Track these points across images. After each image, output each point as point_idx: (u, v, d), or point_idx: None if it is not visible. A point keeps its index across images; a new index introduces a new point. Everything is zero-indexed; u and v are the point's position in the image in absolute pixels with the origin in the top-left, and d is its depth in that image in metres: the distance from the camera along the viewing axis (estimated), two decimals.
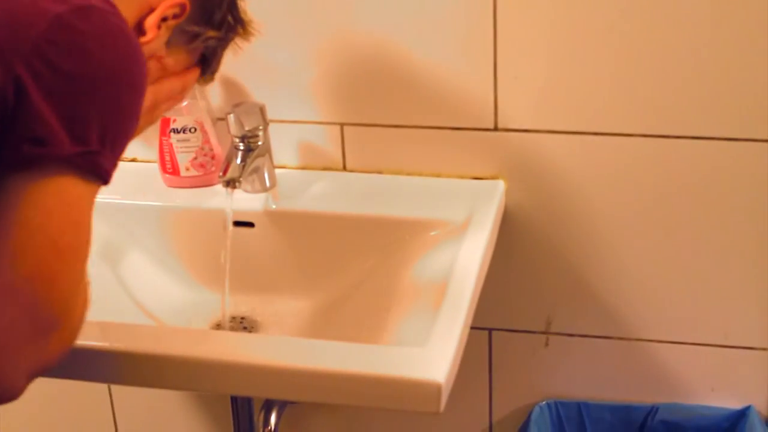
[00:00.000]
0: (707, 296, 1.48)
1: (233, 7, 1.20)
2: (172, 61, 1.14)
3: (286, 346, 1.16)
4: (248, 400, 1.47)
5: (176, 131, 1.48)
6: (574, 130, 1.42)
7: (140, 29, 1.05)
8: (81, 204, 0.89)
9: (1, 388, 0.86)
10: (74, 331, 0.90)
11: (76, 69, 0.86)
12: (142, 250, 1.48)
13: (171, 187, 1.51)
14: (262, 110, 1.42)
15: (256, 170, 1.44)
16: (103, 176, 0.91)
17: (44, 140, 0.85)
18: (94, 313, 0.96)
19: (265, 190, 1.47)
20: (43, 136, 0.85)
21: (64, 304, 0.87)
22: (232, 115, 1.40)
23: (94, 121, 0.88)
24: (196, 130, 1.48)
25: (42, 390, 1.17)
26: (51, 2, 0.88)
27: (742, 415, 1.51)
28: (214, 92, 1.51)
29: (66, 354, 0.90)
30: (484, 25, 1.38)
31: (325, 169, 1.53)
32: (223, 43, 1.22)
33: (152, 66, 1.09)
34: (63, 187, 0.87)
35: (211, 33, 1.16)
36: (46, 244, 0.86)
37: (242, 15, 1.23)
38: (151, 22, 1.05)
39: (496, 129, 1.44)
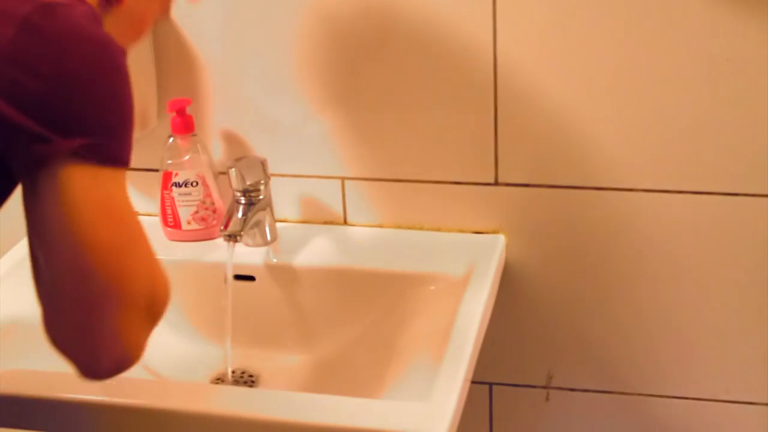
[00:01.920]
0: (708, 351, 1.48)
1: None
2: None
3: (287, 401, 1.16)
4: None
5: (178, 185, 1.48)
6: (574, 184, 1.43)
7: None
8: (107, 189, 0.91)
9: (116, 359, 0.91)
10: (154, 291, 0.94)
11: (52, 71, 0.87)
12: None
13: (172, 240, 1.52)
14: (263, 164, 1.43)
15: (258, 224, 1.45)
16: (119, 160, 0.92)
17: (44, 139, 0.87)
18: None
19: (266, 243, 1.48)
20: (41, 137, 0.87)
21: (118, 274, 0.90)
22: (233, 169, 1.41)
23: (87, 114, 0.89)
24: (197, 183, 1.49)
25: None
26: (15, 3, 0.88)
27: None
28: (216, 146, 1.52)
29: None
30: (485, 77, 1.40)
31: (326, 222, 1.54)
32: None
33: None
34: (80, 177, 0.89)
35: None
36: (81, 230, 0.88)
37: None
38: None
39: (496, 183, 1.45)
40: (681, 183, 1.39)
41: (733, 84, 1.33)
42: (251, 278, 1.46)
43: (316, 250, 1.48)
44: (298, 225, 1.54)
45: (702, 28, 1.31)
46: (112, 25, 1.00)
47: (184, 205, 1.50)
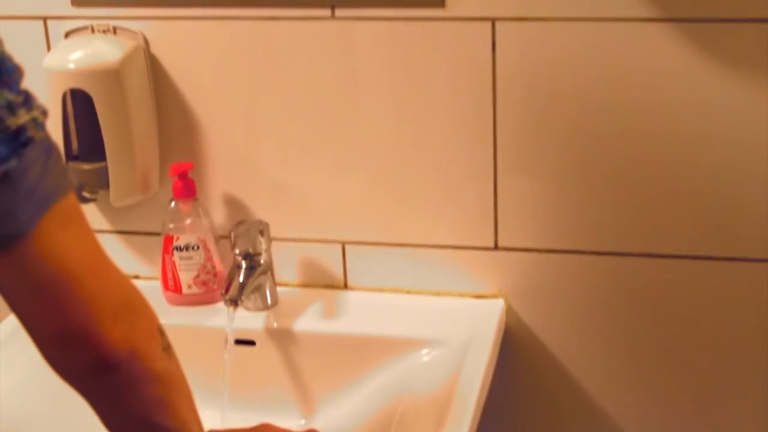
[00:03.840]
0: (719, 416, 1.47)
1: None
2: None
3: None
4: None
5: (179, 249, 1.49)
6: (574, 249, 1.43)
7: None
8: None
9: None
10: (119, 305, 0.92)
11: None
12: None
13: (172, 305, 1.52)
14: (264, 229, 1.43)
15: (258, 288, 1.45)
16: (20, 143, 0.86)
17: None
18: None
19: (266, 308, 1.48)
20: None
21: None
22: (234, 233, 1.42)
23: None
24: (199, 247, 1.49)
25: None
26: None
27: None
28: (217, 210, 1.52)
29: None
30: (485, 142, 1.41)
31: (326, 287, 1.54)
32: None
33: None
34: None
35: None
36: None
37: None
38: None
39: (496, 248, 1.45)
40: (679, 248, 1.40)
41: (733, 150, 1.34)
42: (252, 343, 1.46)
43: (317, 315, 1.48)
44: (299, 289, 1.54)
45: None
46: None
47: (185, 269, 1.50)
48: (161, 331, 0.98)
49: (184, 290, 1.51)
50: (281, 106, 1.46)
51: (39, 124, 0.88)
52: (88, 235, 0.92)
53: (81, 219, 0.91)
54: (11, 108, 0.85)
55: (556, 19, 1.34)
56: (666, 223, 1.39)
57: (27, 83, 0.87)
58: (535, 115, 1.39)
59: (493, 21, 1.35)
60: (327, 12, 1.40)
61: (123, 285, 0.95)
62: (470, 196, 1.44)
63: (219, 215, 1.53)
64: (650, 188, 1.38)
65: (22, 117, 0.86)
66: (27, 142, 0.86)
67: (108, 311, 0.91)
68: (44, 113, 0.89)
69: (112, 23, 1.45)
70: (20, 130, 0.86)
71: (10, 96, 0.86)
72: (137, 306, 0.96)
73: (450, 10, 1.36)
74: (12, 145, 0.85)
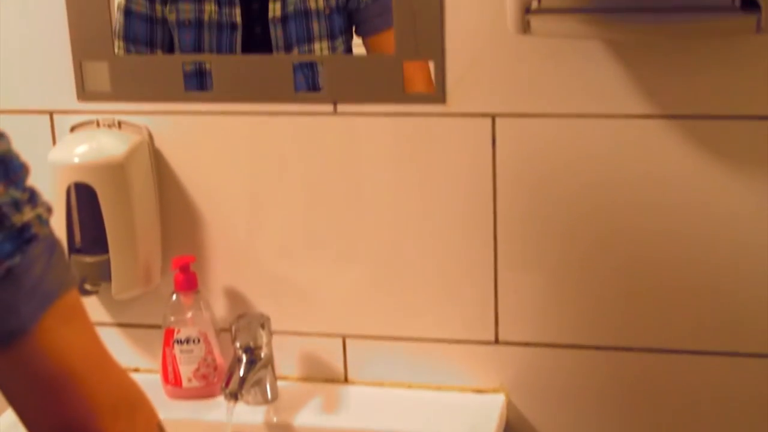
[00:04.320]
0: None
1: None
2: None
3: None
4: None
5: (180, 342, 1.49)
6: (574, 343, 1.43)
7: None
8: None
9: None
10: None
11: None
12: None
13: (172, 398, 1.51)
14: (265, 322, 1.43)
15: (258, 382, 1.45)
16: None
17: None
18: None
19: (266, 402, 1.47)
20: None
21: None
22: (235, 327, 1.42)
23: None
24: (199, 341, 1.49)
25: None
26: None
27: None
28: (218, 303, 1.53)
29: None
30: (485, 236, 1.42)
31: (326, 381, 1.53)
32: None
33: None
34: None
35: None
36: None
37: None
38: None
39: (496, 342, 1.45)
40: (679, 343, 1.40)
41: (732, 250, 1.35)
42: None
43: (317, 410, 1.47)
44: (299, 383, 1.53)
45: None
46: None
47: (185, 363, 1.50)
48: (160, 427, 0.98)
49: (184, 384, 1.50)
50: (283, 200, 1.47)
51: (43, 221, 0.89)
52: (89, 331, 0.92)
53: (83, 315, 0.91)
54: (17, 205, 0.86)
55: (556, 116, 1.36)
56: (665, 319, 1.40)
57: (32, 176, 0.89)
58: (535, 210, 1.40)
59: (494, 117, 1.37)
60: (329, 107, 1.42)
61: (123, 381, 0.95)
62: (471, 291, 1.44)
63: (220, 308, 1.53)
64: (650, 284, 1.39)
65: (27, 214, 0.87)
66: (31, 239, 0.87)
67: (108, 407, 0.91)
68: (49, 210, 0.91)
69: (118, 117, 1.47)
70: (25, 227, 0.87)
71: (16, 193, 0.87)
72: (137, 402, 0.95)
73: (451, 106, 1.38)
74: (17, 241, 0.86)
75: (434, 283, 1.45)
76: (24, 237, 0.86)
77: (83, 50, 1.47)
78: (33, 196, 0.89)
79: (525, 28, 1.20)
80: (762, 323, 1.37)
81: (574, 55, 1.33)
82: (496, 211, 1.41)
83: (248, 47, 1.50)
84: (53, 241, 0.90)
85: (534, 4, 1.21)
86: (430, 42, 1.36)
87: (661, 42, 1.31)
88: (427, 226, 1.43)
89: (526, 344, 1.44)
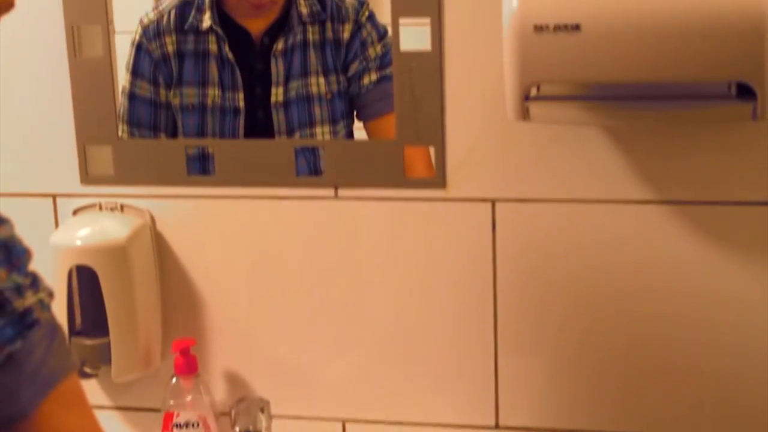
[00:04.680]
0: None
1: None
2: None
3: None
4: None
5: (179, 426, 1.48)
6: (575, 428, 1.42)
7: None
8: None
9: None
10: None
11: None
12: None
13: None
14: (265, 406, 1.43)
15: None
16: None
17: None
18: None
19: None
20: None
21: None
22: (235, 411, 1.41)
23: None
24: (199, 425, 1.48)
25: None
26: None
27: None
28: (217, 386, 1.52)
29: None
30: (485, 320, 1.42)
31: None
32: None
33: None
34: None
35: None
36: None
37: None
38: None
39: (497, 427, 1.44)
40: (678, 427, 1.39)
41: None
42: None
43: None
44: None
45: None
46: None
47: None
48: None
49: None
50: (284, 284, 1.47)
51: (45, 306, 0.89)
52: (89, 416, 0.92)
53: (83, 400, 0.91)
54: (19, 290, 0.87)
55: (555, 201, 1.37)
56: (664, 402, 1.39)
57: (34, 259, 0.89)
58: (536, 294, 1.40)
59: (493, 202, 1.38)
60: (330, 192, 1.43)
61: None
62: (471, 375, 1.44)
63: (220, 391, 1.53)
64: (648, 368, 1.39)
65: (29, 299, 0.88)
66: (33, 324, 0.87)
67: None
68: (50, 294, 0.91)
69: (120, 201, 1.48)
70: (27, 312, 0.87)
71: (19, 278, 0.88)
72: None
73: (451, 191, 1.39)
74: (18, 327, 0.86)
75: (435, 367, 1.45)
76: (25, 322, 0.87)
77: (87, 134, 1.48)
78: (35, 281, 0.90)
79: (524, 114, 1.21)
80: (762, 408, 1.36)
81: (573, 141, 1.35)
82: (497, 295, 1.41)
83: (250, 131, 1.52)
84: (54, 326, 0.91)
85: (533, 91, 1.22)
86: (431, 127, 1.38)
87: (659, 128, 1.33)
88: (428, 310, 1.43)
89: (527, 429, 1.44)
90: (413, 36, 1.37)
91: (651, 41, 1.15)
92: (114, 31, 1.47)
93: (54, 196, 1.51)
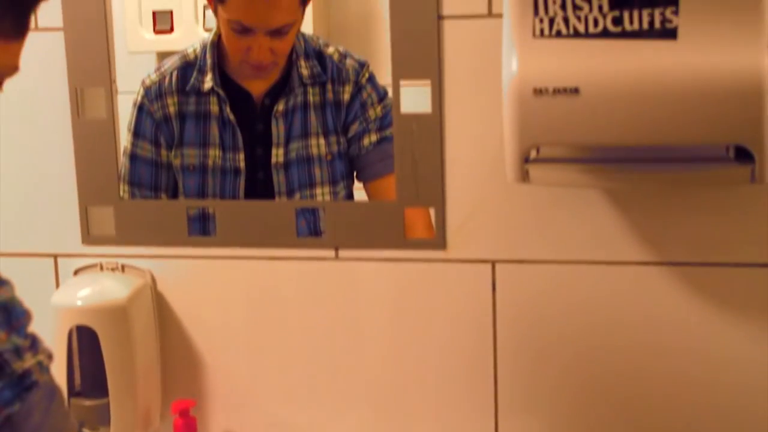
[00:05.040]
0: None
1: None
2: None
3: None
4: None
5: None
6: None
7: None
8: None
9: None
10: None
11: None
12: None
13: None
14: None
15: None
16: None
17: None
18: None
19: None
20: None
21: None
22: None
23: None
24: None
25: None
26: None
27: None
28: None
29: None
30: (486, 385, 1.41)
31: None
32: None
33: None
34: None
35: None
36: None
37: None
38: None
39: None
40: None
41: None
42: None
43: None
44: None
45: None
46: None
47: None
48: None
49: None
50: (284, 344, 1.47)
51: (44, 368, 0.90)
52: None
53: None
54: (18, 352, 0.87)
55: (555, 262, 1.37)
56: None
57: (35, 319, 0.89)
58: (536, 354, 1.40)
59: (493, 263, 1.39)
60: (331, 253, 1.43)
61: None
62: None
63: None
64: (646, 426, 1.38)
65: (28, 361, 0.88)
66: (31, 386, 0.87)
67: None
68: (50, 356, 0.91)
69: (121, 261, 1.48)
70: (26, 374, 0.87)
71: (18, 340, 0.88)
72: None
73: (451, 252, 1.40)
74: (16, 389, 0.86)
75: (435, 426, 1.44)
76: (24, 384, 0.87)
77: (89, 195, 1.49)
78: (34, 343, 0.90)
79: (524, 177, 1.22)
80: None
81: (572, 202, 1.36)
82: (497, 355, 1.41)
83: (251, 191, 1.53)
84: (53, 388, 0.91)
85: (533, 154, 1.23)
86: (431, 189, 1.39)
87: (658, 190, 1.33)
88: (428, 370, 1.43)
89: None
90: (414, 98, 1.38)
91: (649, 104, 1.15)
92: (117, 91, 1.48)
93: (55, 256, 1.52)
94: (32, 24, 0.97)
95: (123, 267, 1.49)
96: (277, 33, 1.49)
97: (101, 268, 1.50)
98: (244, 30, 1.48)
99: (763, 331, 1.33)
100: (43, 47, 1.45)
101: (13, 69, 0.96)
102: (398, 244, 1.41)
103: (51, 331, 1.39)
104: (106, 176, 1.48)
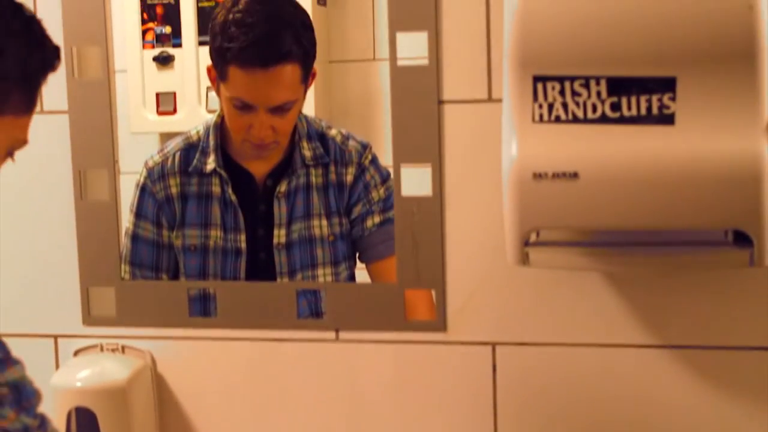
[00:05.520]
0: None
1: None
2: None
3: None
4: None
5: None
6: None
7: None
8: None
9: None
10: None
11: None
12: None
13: None
14: None
15: None
16: None
17: None
18: None
19: None
20: None
21: None
22: None
23: None
24: None
25: None
26: None
27: None
28: None
29: None
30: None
31: None
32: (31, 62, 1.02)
33: None
34: None
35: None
36: None
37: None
38: None
39: None
40: None
41: None
42: None
43: None
44: None
45: None
46: None
47: None
48: None
49: None
50: (285, 426, 1.46)
51: None
52: None
53: None
54: None
55: (555, 344, 1.37)
56: None
57: None
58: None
59: (494, 345, 1.39)
60: (332, 335, 1.43)
61: None
62: None
63: None
64: None
65: None
66: None
67: None
68: None
69: (122, 342, 1.48)
70: None
71: (27, 420, 0.88)
72: None
73: (451, 334, 1.40)
74: None
75: None
76: None
77: (90, 276, 1.49)
78: (43, 423, 0.91)
79: (524, 260, 1.22)
80: None
81: (572, 285, 1.36)
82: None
83: (252, 272, 1.53)
84: None
85: (533, 237, 1.24)
86: (432, 271, 1.39)
87: (658, 273, 1.34)
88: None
89: None
90: (414, 181, 1.39)
91: (648, 189, 1.16)
92: (119, 171, 1.49)
93: (55, 337, 1.52)
94: (39, 101, 1.03)
95: (123, 348, 1.49)
96: (279, 110, 1.50)
97: (101, 349, 1.50)
98: (245, 107, 1.49)
99: (763, 413, 1.33)
100: (48, 130, 1.47)
101: (22, 142, 1.02)
102: (399, 326, 1.41)
103: (50, 411, 1.37)
104: (108, 257, 1.49)
